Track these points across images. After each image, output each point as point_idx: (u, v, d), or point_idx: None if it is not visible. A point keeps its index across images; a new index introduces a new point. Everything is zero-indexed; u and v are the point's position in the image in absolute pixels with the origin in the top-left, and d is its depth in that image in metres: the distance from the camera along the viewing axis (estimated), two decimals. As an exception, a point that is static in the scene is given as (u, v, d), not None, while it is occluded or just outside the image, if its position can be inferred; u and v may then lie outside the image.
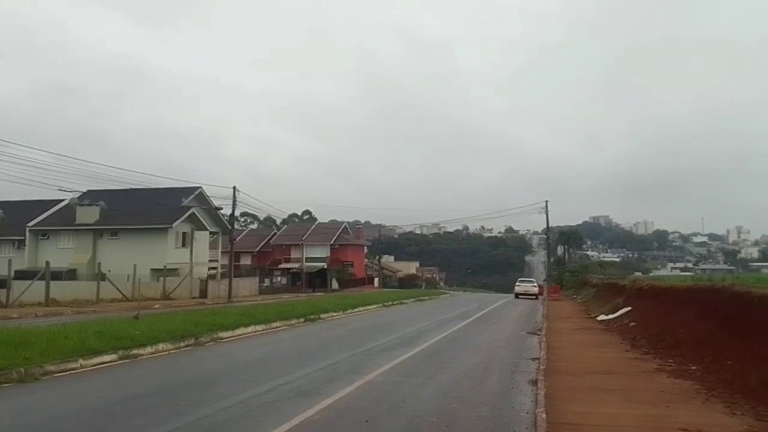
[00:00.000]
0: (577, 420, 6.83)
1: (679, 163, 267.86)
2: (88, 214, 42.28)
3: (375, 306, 31.00)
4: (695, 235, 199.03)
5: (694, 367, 10.10)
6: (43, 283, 28.20)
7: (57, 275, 32.01)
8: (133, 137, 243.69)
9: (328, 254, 69.13)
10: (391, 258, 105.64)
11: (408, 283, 78.96)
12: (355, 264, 72.10)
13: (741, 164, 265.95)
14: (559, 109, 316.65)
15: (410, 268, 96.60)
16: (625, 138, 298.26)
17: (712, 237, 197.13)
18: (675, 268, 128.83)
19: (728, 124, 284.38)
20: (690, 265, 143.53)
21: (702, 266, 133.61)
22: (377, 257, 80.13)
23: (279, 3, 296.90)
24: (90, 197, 43.20)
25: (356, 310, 27.56)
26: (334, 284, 61.66)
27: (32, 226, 43.11)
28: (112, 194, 43.13)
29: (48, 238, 43.40)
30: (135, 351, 12.13)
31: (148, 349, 12.61)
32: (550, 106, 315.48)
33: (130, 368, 10.97)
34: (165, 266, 38.13)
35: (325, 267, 65.64)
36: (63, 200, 43.58)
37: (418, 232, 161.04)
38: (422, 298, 43.68)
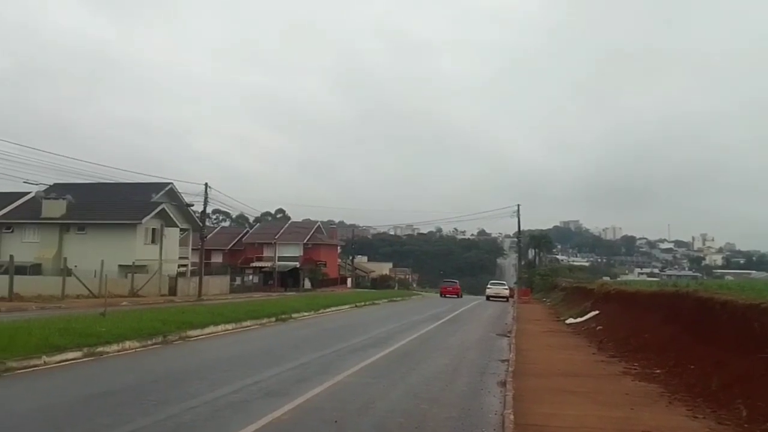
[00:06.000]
0: (544, 421, 6.93)
1: (647, 171, 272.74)
2: (55, 208, 41.24)
3: (347, 306, 30.93)
4: (662, 241, 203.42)
5: (658, 371, 10.31)
6: (6, 277, 27.54)
7: (21, 270, 31.25)
8: (101, 130, 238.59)
9: (301, 253, 68.70)
10: (365, 258, 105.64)
11: (381, 283, 79.04)
12: (329, 264, 71.81)
13: (707, 173, 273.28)
14: (534, 115, 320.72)
15: (383, 268, 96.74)
16: (596, 145, 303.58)
17: (678, 244, 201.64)
18: (642, 274, 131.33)
19: (696, 133, 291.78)
20: (656, 270, 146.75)
21: (668, 272, 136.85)
22: (351, 257, 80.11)
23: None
24: (56, 191, 42.00)
25: (328, 310, 27.45)
26: (307, 284, 61.29)
27: (-4, 218, 41.95)
28: (80, 188, 42.13)
29: (12, 231, 42.25)
30: (101, 348, 11.88)
31: (114, 347, 12.36)
32: (524, 112, 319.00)
33: (95, 366, 10.74)
34: (133, 263, 37.42)
35: (298, 266, 65.20)
36: (29, 193, 42.35)
37: (391, 233, 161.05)
38: (395, 298, 43.77)
